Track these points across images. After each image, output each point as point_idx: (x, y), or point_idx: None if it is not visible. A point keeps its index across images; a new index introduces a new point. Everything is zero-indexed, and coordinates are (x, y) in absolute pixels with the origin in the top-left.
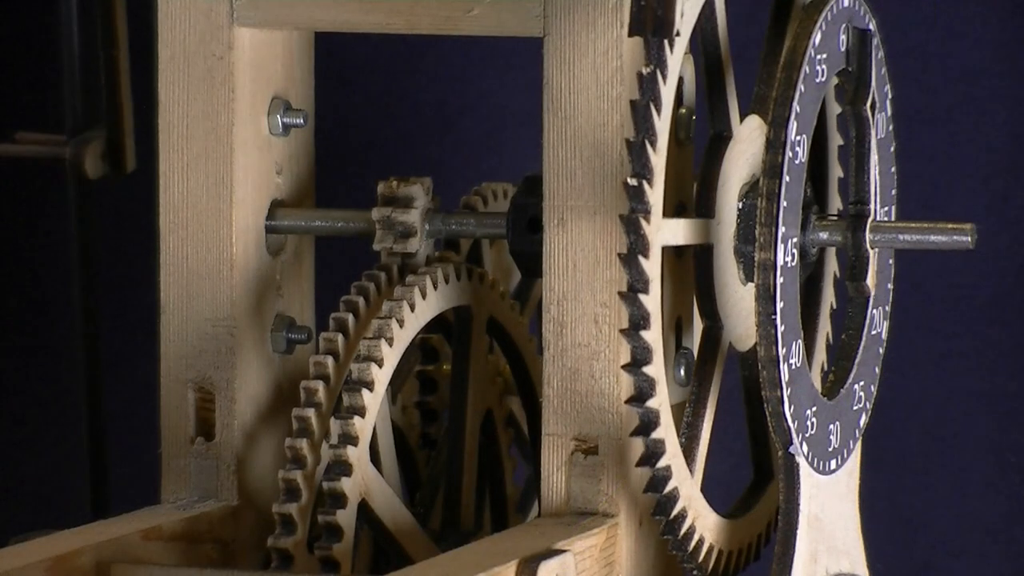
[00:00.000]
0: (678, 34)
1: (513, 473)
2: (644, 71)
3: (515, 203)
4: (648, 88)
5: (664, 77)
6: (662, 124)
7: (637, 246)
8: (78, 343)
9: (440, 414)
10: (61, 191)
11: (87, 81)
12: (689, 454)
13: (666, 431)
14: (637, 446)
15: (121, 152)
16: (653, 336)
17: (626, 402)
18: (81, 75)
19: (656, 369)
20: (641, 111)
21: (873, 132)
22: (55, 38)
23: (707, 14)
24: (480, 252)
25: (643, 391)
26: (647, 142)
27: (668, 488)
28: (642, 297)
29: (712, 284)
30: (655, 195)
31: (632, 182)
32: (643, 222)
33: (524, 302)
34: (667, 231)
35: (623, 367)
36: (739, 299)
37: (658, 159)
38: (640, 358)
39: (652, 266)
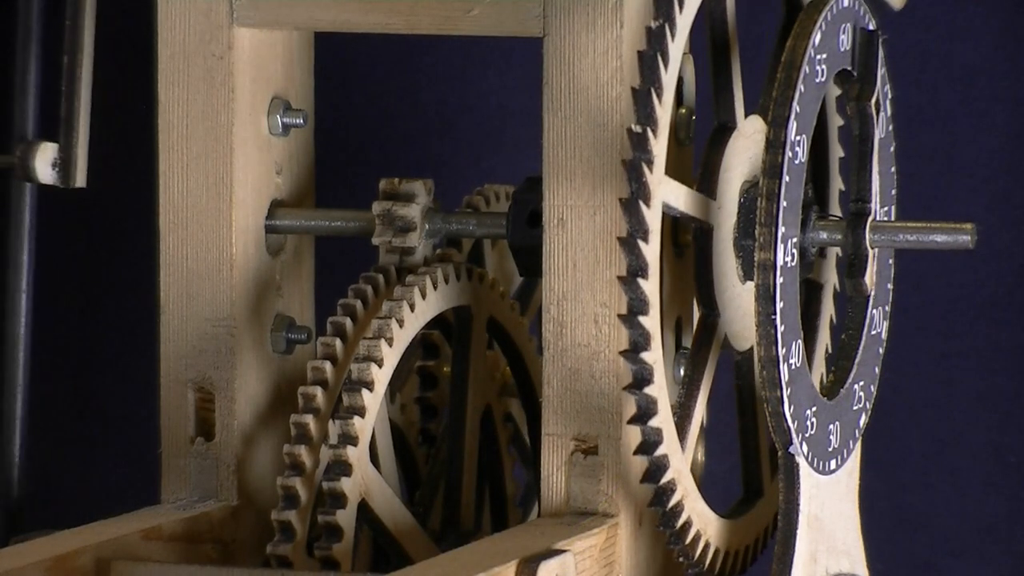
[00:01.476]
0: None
1: (512, 470)
2: (653, 25)
3: (516, 198)
4: (656, 41)
5: (672, 33)
6: (668, 78)
7: (639, 193)
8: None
9: (440, 410)
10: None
11: (52, 91)
12: (681, 431)
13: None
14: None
15: (70, 165)
16: (651, 287)
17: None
18: (43, 85)
19: (652, 322)
20: (648, 61)
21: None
22: (13, 46)
23: None
24: (482, 253)
25: (638, 344)
26: (653, 91)
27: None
28: (641, 245)
29: (711, 270)
30: (659, 146)
31: (636, 129)
32: (645, 169)
33: (526, 305)
34: (668, 188)
35: (620, 316)
36: (736, 294)
37: (663, 112)
38: (636, 308)
39: (652, 217)
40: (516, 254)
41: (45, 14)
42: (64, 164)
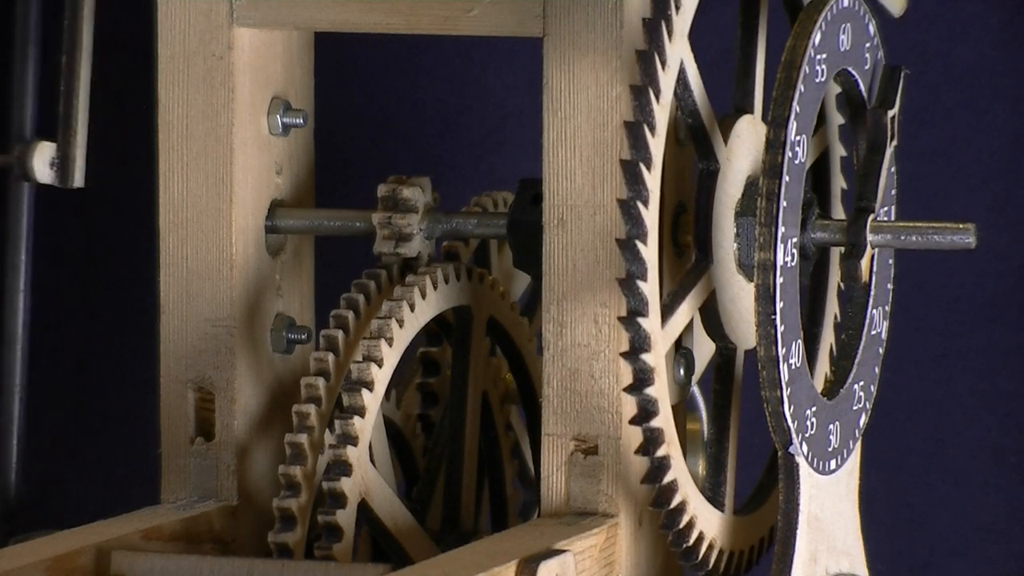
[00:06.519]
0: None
1: (510, 459)
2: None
3: (523, 181)
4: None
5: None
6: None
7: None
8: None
9: (441, 398)
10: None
11: (50, 91)
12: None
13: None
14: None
15: (68, 164)
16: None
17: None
18: (42, 85)
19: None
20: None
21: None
22: (11, 46)
23: None
24: (487, 256)
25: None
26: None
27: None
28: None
29: (711, 213)
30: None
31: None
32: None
33: (532, 311)
34: (684, 50)
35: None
36: (731, 275)
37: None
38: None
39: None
40: (514, 231)
41: (44, 14)
42: (62, 163)
